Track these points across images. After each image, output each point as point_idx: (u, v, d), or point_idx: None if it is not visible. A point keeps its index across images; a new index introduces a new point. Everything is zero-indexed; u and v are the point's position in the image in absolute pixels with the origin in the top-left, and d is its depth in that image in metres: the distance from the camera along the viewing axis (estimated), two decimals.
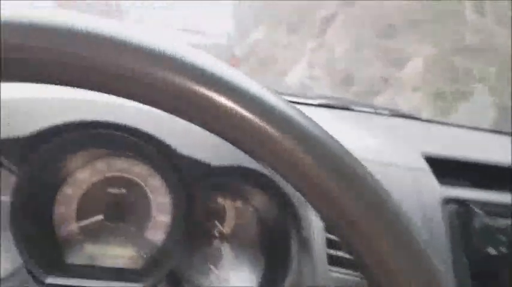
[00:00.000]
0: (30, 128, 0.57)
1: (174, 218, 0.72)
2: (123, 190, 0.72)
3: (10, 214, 0.58)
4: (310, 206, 0.28)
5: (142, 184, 0.73)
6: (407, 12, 3.96)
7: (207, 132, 0.62)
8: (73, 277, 0.61)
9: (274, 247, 0.69)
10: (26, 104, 0.59)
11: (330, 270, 0.63)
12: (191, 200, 0.63)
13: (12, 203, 0.58)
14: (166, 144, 0.61)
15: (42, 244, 0.65)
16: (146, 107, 0.62)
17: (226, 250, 0.73)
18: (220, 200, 0.74)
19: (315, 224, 0.65)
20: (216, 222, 0.73)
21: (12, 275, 0.62)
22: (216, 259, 0.72)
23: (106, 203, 0.71)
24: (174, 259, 0.62)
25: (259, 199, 0.70)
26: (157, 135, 0.60)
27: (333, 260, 0.63)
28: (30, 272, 0.58)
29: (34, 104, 0.59)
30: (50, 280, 0.59)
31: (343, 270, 0.63)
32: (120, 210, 0.71)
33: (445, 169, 0.77)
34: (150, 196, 0.72)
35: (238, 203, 0.74)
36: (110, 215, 0.71)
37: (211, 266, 0.72)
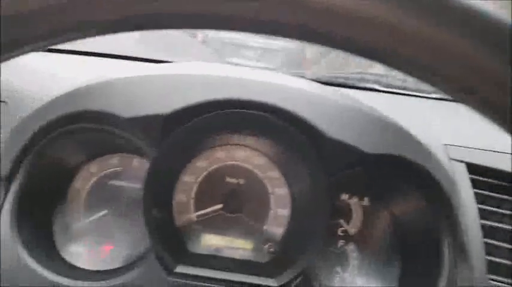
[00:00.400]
0: (171, 106, 0.55)
1: (293, 212, 0.67)
2: (241, 180, 0.68)
3: (144, 199, 0.56)
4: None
5: (261, 175, 0.69)
6: None
7: (356, 118, 0.57)
8: (200, 266, 0.58)
9: (415, 252, 0.62)
10: (164, 82, 0.57)
11: (489, 279, 0.54)
12: (329, 189, 0.57)
13: (146, 187, 0.56)
14: (315, 127, 0.55)
15: (167, 233, 0.63)
16: (285, 85, 0.58)
17: (352, 251, 0.66)
18: (345, 197, 0.68)
19: (471, 228, 0.56)
20: (342, 221, 0.67)
21: (137, 261, 0.61)
22: (341, 260, 0.66)
23: (224, 193, 0.68)
24: (307, 258, 0.56)
25: (407, 198, 0.62)
26: (306, 118, 0.55)
27: (492, 268, 0.55)
28: (160, 260, 0.56)
29: (172, 82, 0.57)
30: (179, 269, 0.57)
31: (504, 279, 0.55)
32: (238, 201, 0.68)
33: None
34: (269, 187, 0.68)
35: (366, 202, 0.68)
36: (229, 205, 0.67)
37: (337, 268, 0.66)
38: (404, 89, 0.98)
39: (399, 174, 0.59)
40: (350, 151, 0.55)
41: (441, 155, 0.62)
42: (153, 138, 0.56)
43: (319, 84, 0.63)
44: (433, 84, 0.24)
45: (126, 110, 0.55)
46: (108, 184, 0.68)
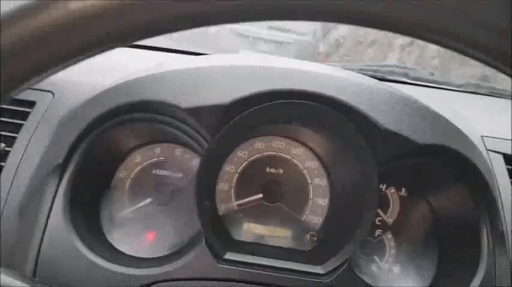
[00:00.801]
0: (228, 96, 0.56)
1: (332, 201, 0.69)
2: (281, 170, 0.70)
3: (197, 189, 0.58)
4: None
5: (300, 165, 0.70)
6: None
7: (407, 109, 0.58)
8: (247, 253, 0.60)
9: (454, 241, 0.63)
10: (218, 74, 0.58)
11: None
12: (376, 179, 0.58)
13: (199, 177, 0.58)
14: (369, 118, 0.57)
15: (214, 221, 0.64)
16: (338, 76, 0.60)
17: (389, 240, 0.68)
18: (383, 187, 0.69)
19: (509, 217, 0.58)
20: (379, 211, 0.69)
21: (185, 249, 0.63)
22: (378, 249, 0.68)
23: (264, 182, 0.70)
24: (352, 246, 0.58)
25: (447, 187, 0.64)
26: (357, 106, 0.56)
27: None
28: (210, 247, 0.58)
29: (227, 74, 0.59)
30: (228, 255, 0.59)
31: None
32: (278, 190, 0.70)
33: None
34: (308, 177, 0.70)
35: (403, 192, 0.69)
36: (269, 195, 0.69)
37: (375, 256, 0.67)
38: (432, 82, 1.00)
39: (444, 165, 0.60)
40: (403, 141, 0.57)
41: (479, 146, 0.63)
42: (210, 128, 0.57)
43: (367, 77, 0.64)
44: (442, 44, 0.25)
45: (184, 100, 0.57)
46: (152, 173, 0.70)
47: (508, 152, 0.65)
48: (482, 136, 0.67)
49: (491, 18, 0.23)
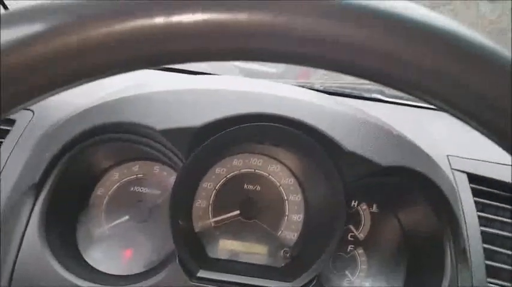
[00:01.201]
0: (200, 119, 0.59)
1: (307, 218, 0.71)
2: (258, 187, 0.72)
3: (171, 207, 0.60)
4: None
5: (277, 182, 0.73)
6: None
7: (371, 131, 0.61)
8: (220, 271, 0.61)
9: (420, 256, 0.66)
10: (193, 97, 0.61)
11: (488, 282, 0.59)
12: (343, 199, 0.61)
13: (173, 195, 0.60)
14: (334, 140, 0.60)
15: (189, 238, 0.66)
16: (307, 100, 0.62)
17: (361, 255, 0.71)
18: (355, 204, 0.72)
19: (472, 234, 0.61)
20: (351, 226, 0.71)
21: (160, 266, 0.64)
22: (350, 264, 0.70)
23: (241, 199, 0.72)
24: (322, 262, 0.60)
25: (413, 205, 0.67)
26: (324, 130, 0.59)
27: (491, 272, 0.60)
28: (183, 265, 0.59)
29: (201, 97, 0.61)
30: (201, 273, 0.60)
31: (503, 283, 0.59)
32: (255, 207, 0.71)
33: None
34: (284, 194, 0.72)
35: (374, 209, 0.72)
36: (246, 211, 0.71)
37: (346, 271, 0.70)
38: (407, 99, 1.03)
39: (408, 184, 0.63)
40: (366, 163, 0.60)
41: (444, 165, 0.67)
42: (184, 149, 0.59)
43: (334, 98, 0.67)
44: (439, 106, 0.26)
45: (159, 122, 0.59)
46: (130, 190, 0.71)
47: (472, 171, 0.68)
48: (448, 155, 0.71)
49: (491, 94, 0.23)
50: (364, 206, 0.72)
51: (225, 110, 0.59)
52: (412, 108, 0.99)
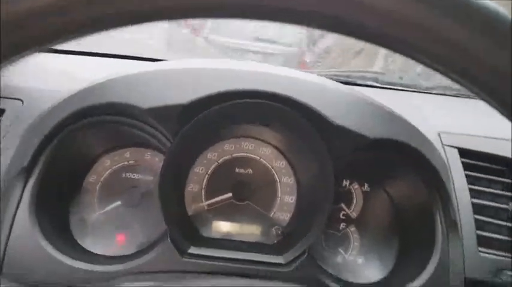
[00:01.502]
0: (188, 96, 0.59)
1: (299, 198, 0.71)
2: (250, 170, 0.73)
3: (160, 187, 0.60)
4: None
5: (269, 165, 0.73)
6: None
7: (359, 106, 0.62)
8: (212, 248, 0.62)
9: (411, 230, 0.66)
10: (180, 76, 0.61)
11: (479, 251, 0.59)
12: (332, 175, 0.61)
13: (163, 174, 0.60)
14: (321, 114, 0.60)
15: (181, 220, 0.67)
16: (294, 77, 0.63)
17: (353, 233, 0.71)
18: (346, 183, 0.72)
19: (462, 206, 0.61)
20: (343, 205, 0.71)
21: (152, 246, 0.65)
22: (343, 242, 0.70)
23: (234, 182, 0.72)
24: (311, 237, 0.61)
25: (404, 179, 0.67)
26: (311, 104, 0.59)
27: (482, 242, 0.60)
28: (174, 242, 0.60)
29: (188, 76, 0.62)
30: (192, 250, 0.61)
31: (494, 251, 0.59)
32: (247, 189, 0.72)
33: None
34: (276, 176, 0.73)
35: (366, 187, 0.72)
36: (238, 194, 0.72)
37: (340, 249, 0.70)
38: (401, 85, 1.03)
39: (398, 158, 0.64)
40: (355, 136, 0.60)
41: (436, 141, 0.67)
42: (171, 127, 0.60)
43: (323, 77, 0.68)
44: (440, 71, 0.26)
45: (146, 101, 0.59)
46: (122, 177, 0.72)
47: (462, 146, 0.68)
48: (439, 132, 0.71)
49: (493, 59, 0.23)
50: (356, 185, 0.72)
51: (212, 87, 0.59)
52: (407, 93, 0.99)
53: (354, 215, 0.71)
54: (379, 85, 1.02)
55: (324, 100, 0.61)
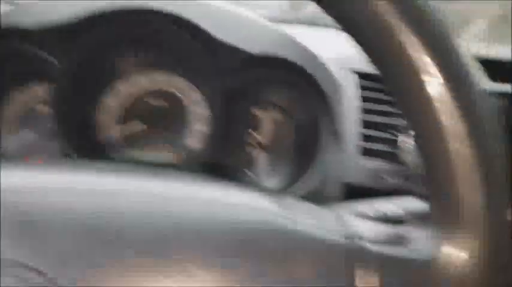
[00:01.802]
0: (69, 15, 0.57)
1: (212, 128, 0.73)
2: (165, 103, 0.75)
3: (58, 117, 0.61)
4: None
5: (182, 97, 0.75)
6: None
7: (243, 23, 0.62)
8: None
9: (305, 146, 0.69)
10: None
11: (362, 160, 0.61)
12: (227, 99, 0.63)
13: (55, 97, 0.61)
14: (202, 29, 0.60)
15: (88, 147, 0.68)
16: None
17: (261, 157, 0.73)
18: (256, 111, 0.74)
19: (350, 119, 0.63)
20: (251, 131, 0.74)
21: None
22: (250, 165, 0.73)
23: (147, 114, 0.74)
24: (208, 153, 0.63)
25: (292, 94, 0.69)
26: (192, 20, 0.60)
27: (366, 153, 0.63)
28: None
29: None
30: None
31: (377, 159, 0.62)
32: (161, 120, 0.74)
33: None
34: (189, 107, 0.74)
35: (276, 115, 0.74)
36: (152, 124, 0.74)
37: (246, 170, 0.73)
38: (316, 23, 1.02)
39: (285, 75, 0.65)
40: (237, 52, 0.60)
41: (333, 63, 0.68)
42: (63, 48, 0.59)
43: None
44: None
45: (35, 22, 0.58)
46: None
47: (362, 70, 0.70)
48: (341, 57, 0.72)
49: None
50: (266, 113, 0.74)
51: (92, 6, 0.59)
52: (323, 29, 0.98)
53: (260, 139, 0.74)
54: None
55: (211, 19, 0.61)
